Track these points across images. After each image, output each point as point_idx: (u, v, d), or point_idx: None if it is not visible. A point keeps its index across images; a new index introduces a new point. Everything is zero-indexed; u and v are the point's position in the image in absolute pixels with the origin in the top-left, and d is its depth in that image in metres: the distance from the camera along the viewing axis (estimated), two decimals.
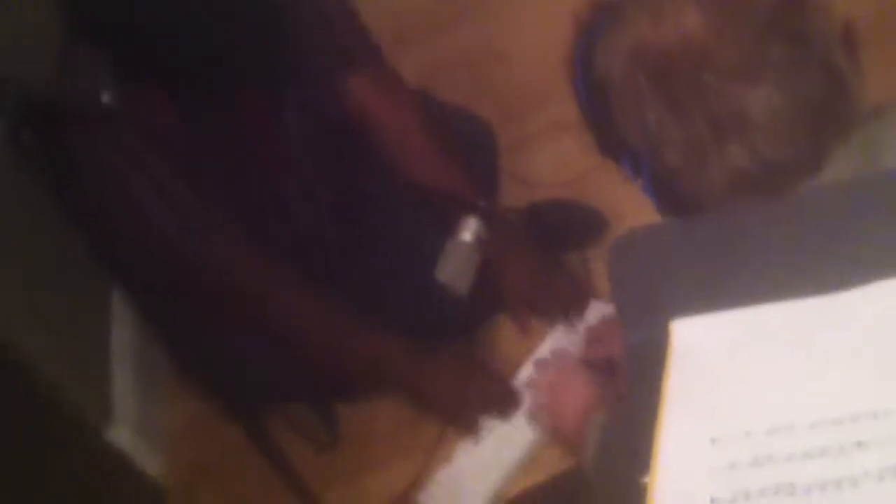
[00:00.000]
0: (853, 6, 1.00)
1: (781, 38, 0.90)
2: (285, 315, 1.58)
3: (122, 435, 1.77)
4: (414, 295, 1.64)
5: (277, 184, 1.63)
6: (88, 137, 1.37)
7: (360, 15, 1.67)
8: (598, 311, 1.68)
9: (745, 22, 0.90)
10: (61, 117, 1.37)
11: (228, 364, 1.68)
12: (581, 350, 1.63)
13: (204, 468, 1.82)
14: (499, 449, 1.61)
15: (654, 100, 0.92)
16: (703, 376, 0.67)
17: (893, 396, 0.60)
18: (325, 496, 1.66)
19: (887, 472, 0.56)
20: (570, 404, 1.44)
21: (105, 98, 1.36)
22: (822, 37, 0.92)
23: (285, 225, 1.65)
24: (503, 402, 1.63)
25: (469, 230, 1.59)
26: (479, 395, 1.64)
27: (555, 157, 1.97)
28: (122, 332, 1.91)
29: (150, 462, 1.81)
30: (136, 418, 1.82)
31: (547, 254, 1.76)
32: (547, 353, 1.67)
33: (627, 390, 0.71)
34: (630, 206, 1.41)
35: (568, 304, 1.70)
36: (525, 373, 1.67)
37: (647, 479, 0.61)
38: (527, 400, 1.61)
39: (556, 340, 1.69)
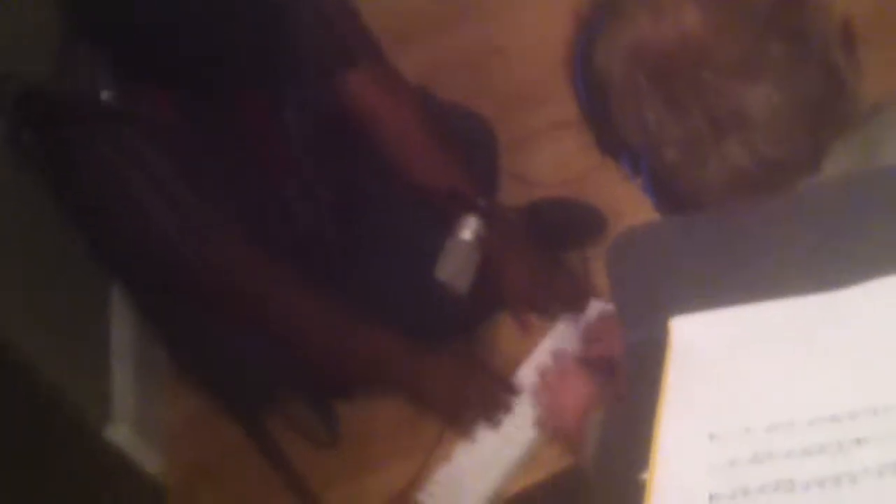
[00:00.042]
0: (852, 4, 1.00)
1: (780, 36, 0.90)
2: (285, 314, 1.58)
3: (121, 433, 1.77)
4: (414, 294, 1.64)
5: (277, 183, 1.63)
6: (88, 136, 1.37)
7: (360, 14, 1.67)
8: (597, 309, 1.68)
9: (744, 20, 0.90)
10: (61, 116, 1.37)
11: (228, 363, 1.68)
12: (580, 349, 1.63)
13: (203, 467, 1.82)
14: (498, 448, 1.61)
15: (654, 98, 0.92)
16: (702, 374, 0.67)
17: (893, 393, 0.60)
18: (325, 495, 1.66)
19: (887, 468, 0.56)
20: (570, 404, 1.44)
21: (104, 97, 1.36)
22: (821, 35, 0.92)
23: (285, 224, 1.65)
24: (502, 401, 1.63)
25: (469, 229, 1.59)
26: (478, 395, 1.64)
27: (555, 156, 1.97)
28: (122, 330, 1.91)
29: (149, 461, 1.81)
30: (136, 417, 1.82)
31: (547, 252, 1.76)
32: (546, 352, 1.68)
33: (627, 388, 0.71)
34: (629, 205, 1.41)
35: (568, 303, 1.70)
36: (525, 371, 1.67)
37: (646, 476, 0.62)
38: (528, 399, 1.62)
39: (556, 340, 1.69)
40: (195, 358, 1.73)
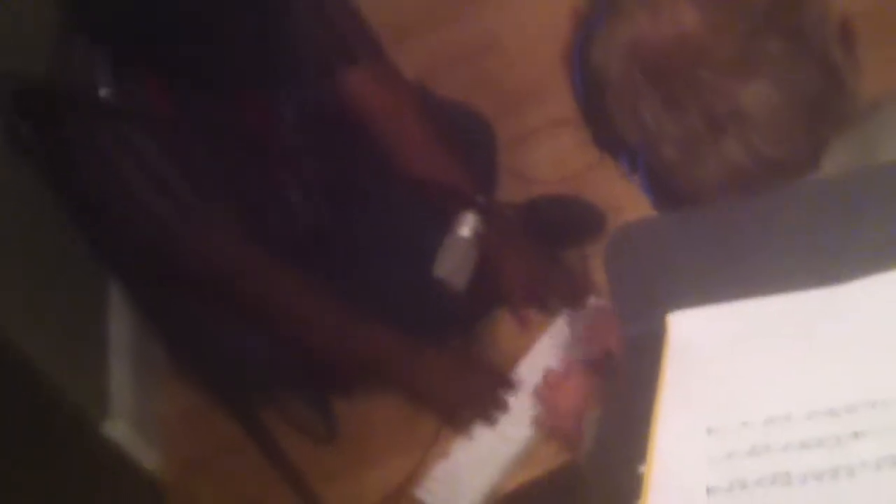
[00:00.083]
0: (851, 2, 1.00)
1: (778, 33, 0.90)
2: (285, 312, 1.59)
3: (119, 429, 1.77)
4: (412, 291, 1.64)
5: (276, 179, 1.63)
6: (86, 132, 1.37)
7: (360, 12, 1.67)
8: (595, 307, 1.69)
9: (741, 17, 0.90)
10: (58, 110, 1.37)
11: (226, 359, 1.68)
12: (578, 347, 1.64)
13: (201, 462, 1.82)
14: (495, 445, 1.62)
15: (651, 96, 0.92)
16: (700, 368, 0.68)
17: (891, 387, 0.60)
18: (323, 492, 1.66)
19: (884, 461, 0.56)
20: (569, 402, 1.45)
21: (102, 93, 1.36)
22: (819, 32, 0.92)
23: (284, 220, 1.65)
24: (499, 400, 1.63)
25: (467, 226, 1.59)
26: (475, 394, 1.64)
27: (553, 153, 1.97)
28: (119, 326, 1.91)
29: (146, 456, 1.81)
30: (133, 413, 1.82)
31: (545, 249, 1.77)
32: (544, 349, 1.68)
33: (625, 382, 0.71)
34: (628, 203, 1.42)
35: (566, 300, 1.70)
36: (523, 369, 1.67)
37: (643, 469, 0.62)
38: (526, 396, 1.62)
39: (554, 337, 1.70)
40: (193, 354, 1.73)
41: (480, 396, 1.64)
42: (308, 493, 1.49)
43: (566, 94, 1.04)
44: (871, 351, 0.64)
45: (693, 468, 0.61)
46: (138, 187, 1.44)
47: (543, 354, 1.67)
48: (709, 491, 0.59)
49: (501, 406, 1.63)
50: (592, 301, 1.70)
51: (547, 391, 1.53)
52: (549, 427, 1.55)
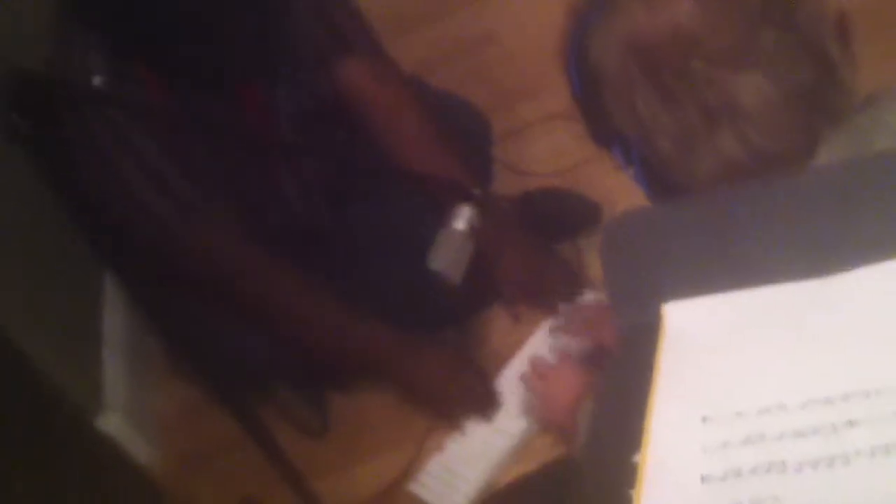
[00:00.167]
0: None
1: (774, 26, 0.90)
2: (280, 306, 1.59)
3: (113, 423, 1.77)
4: (407, 284, 1.64)
5: (276, 178, 1.63)
6: (81, 121, 1.37)
7: (356, 4, 1.67)
8: (590, 299, 1.69)
9: (737, 10, 0.90)
10: (54, 101, 1.37)
11: (221, 353, 1.68)
12: (572, 340, 1.64)
13: (196, 457, 1.82)
14: (490, 438, 1.62)
15: (647, 89, 0.92)
16: (694, 358, 0.68)
17: (885, 376, 0.60)
18: (317, 486, 1.66)
19: (879, 449, 0.57)
20: (562, 394, 1.45)
21: (96, 82, 1.36)
22: (815, 25, 0.92)
23: (283, 219, 1.65)
24: (484, 402, 1.63)
25: (462, 218, 1.58)
26: (461, 393, 1.65)
27: (549, 147, 1.97)
28: (114, 319, 1.91)
29: (141, 450, 1.80)
30: (128, 407, 1.82)
31: (540, 242, 1.77)
32: (539, 344, 1.68)
33: (619, 372, 0.72)
34: (623, 196, 1.42)
35: (561, 293, 1.70)
36: (517, 363, 1.67)
37: (638, 458, 0.62)
38: (519, 390, 1.62)
39: (548, 332, 1.70)
40: (191, 352, 1.73)
41: (465, 398, 1.64)
42: (306, 490, 1.49)
43: (562, 88, 1.04)
44: (866, 341, 0.64)
45: (687, 457, 0.61)
46: (138, 187, 1.44)
47: (538, 349, 1.67)
48: (703, 479, 0.59)
49: (492, 406, 1.63)
50: (587, 294, 1.70)
51: (536, 380, 1.53)
52: (544, 420, 1.55)
